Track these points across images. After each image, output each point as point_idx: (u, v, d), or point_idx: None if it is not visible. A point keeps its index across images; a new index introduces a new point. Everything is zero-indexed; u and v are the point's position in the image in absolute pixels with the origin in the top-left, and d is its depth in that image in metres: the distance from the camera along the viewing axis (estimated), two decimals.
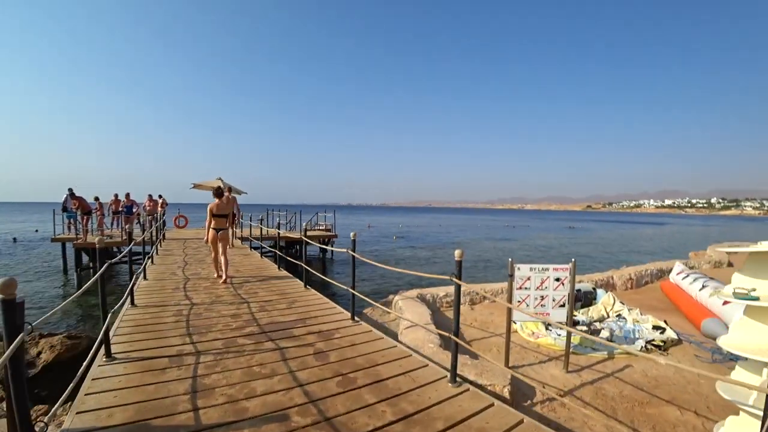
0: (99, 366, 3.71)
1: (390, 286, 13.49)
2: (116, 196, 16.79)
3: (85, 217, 14.51)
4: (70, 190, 14.28)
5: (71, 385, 2.74)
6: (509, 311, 4.60)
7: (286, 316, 5.44)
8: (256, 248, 12.84)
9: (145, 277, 7.71)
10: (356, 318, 5.34)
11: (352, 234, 5.56)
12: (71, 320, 10.64)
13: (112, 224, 17.38)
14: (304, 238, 7.10)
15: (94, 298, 13.15)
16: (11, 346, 1.92)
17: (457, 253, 3.49)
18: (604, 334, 5.88)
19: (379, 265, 5.30)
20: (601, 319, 6.78)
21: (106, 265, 4.09)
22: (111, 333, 4.66)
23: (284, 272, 8.64)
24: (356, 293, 5.29)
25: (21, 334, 1.97)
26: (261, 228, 11.59)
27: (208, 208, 7.53)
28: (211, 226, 7.51)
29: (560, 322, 4.51)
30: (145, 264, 7.93)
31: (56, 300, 12.46)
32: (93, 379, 3.41)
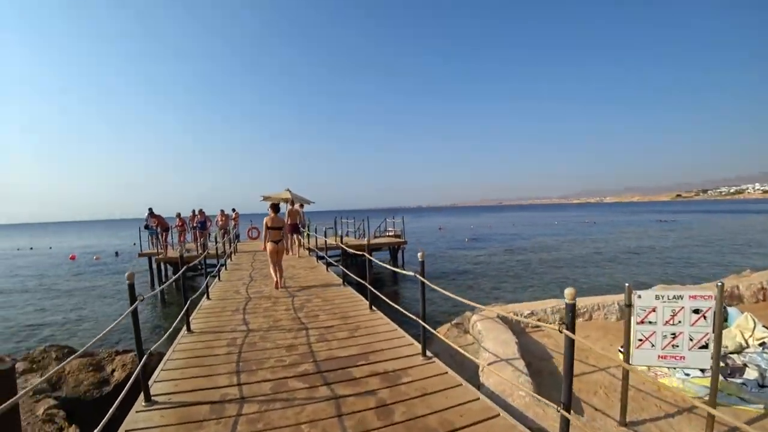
0: (136, 412, 3.32)
1: (464, 297, 12.45)
2: (193, 211, 17.46)
3: (164, 234, 15.17)
4: (150, 209, 15.07)
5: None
6: (626, 352, 3.49)
7: (346, 348, 4.73)
8: (321, 258, 12.41)
9: (208, 297, 7.50)
10: (427, 353, 4.48)
11: (419, 254, 4.63)
12: (152, 331, 10.94)
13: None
14: (367, 255, 6.39)
15: (177, 309, 13.68)
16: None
17: (567, 293, 2.53)
18: (751, 374, 4.42)
19: (453, 296, 4.39)
20: (739, 350, 5.24)
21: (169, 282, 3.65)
22: (160, 366, 4.37)
23: (348, 289, 8.01)
24: (427, 327, 4.44)
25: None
26: (325, 239, 11.11)
27: (264, 222, 8.19)
28: (268, 239, 8.09)
29: (701, 369, 3.30)
30: (207, 284, 7.69)
31: (142, 313, 13.02)
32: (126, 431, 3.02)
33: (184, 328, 5.58)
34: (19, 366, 6.58)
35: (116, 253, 32.57)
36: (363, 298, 7.07)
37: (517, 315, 6.51)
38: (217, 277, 9.61)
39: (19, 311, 14.51)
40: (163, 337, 4.65)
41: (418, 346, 4.61)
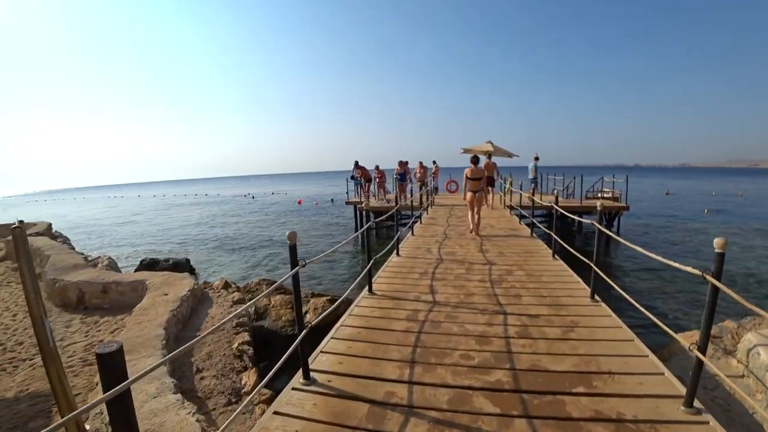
0: (292, 389, 2.85)
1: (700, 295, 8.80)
2: (400, 162, 17.55)
3: (367, 184, 15.68)
4: (356, 162, 15.69)
5: None
6: None
7: (557, 358, 3.17)
8: (523, 218, 10.68)
9: (398, 253, 6.83)
10: (693, 399, 2.47)
11: (718, 242, 2.60)
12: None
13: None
14: (596, 225, 4.51)
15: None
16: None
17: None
18: None
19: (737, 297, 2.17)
20: None
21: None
22: (331, 333, 3.84)
23: (560, 264, 6.19)
24: (705, 359, 2.37)
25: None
26: (532, 197, 9.11)
27: (464, 173, 8.62)
28: (467, 188, 8.55)
29: None
30: (399, 237, 6.99)
31: (345, 253, 13.94)
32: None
33: (366, 288, 4.99)
34: (236, 295, 7.18)
35: (332, 200, 36.83)
36: (581, 282, 5.21)
37: None
38: (411, 231, 8.98)
39: (263, 240, 17.47)
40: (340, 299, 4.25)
41: (673, 382, 2.75)
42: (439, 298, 4.55)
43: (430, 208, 13.79)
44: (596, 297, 4.56)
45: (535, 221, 8.52)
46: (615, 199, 16.27)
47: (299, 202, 35.89)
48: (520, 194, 9.81)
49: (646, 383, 2.77)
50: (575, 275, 5.50)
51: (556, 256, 6.45)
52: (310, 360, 3.13)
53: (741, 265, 11.85)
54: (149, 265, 11.53)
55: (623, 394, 2.64)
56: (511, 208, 12.79)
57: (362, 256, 14.59)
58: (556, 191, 15.35)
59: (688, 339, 4.07)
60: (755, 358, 3.80)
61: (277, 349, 6.64)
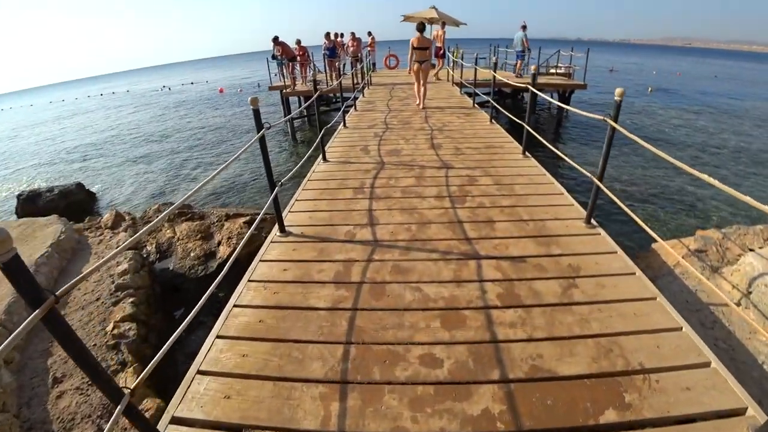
0: (271, 242, 3.15)
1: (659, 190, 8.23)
2: (327, 35, 14.61)
3: (290, 64, 13.07)
4: (275, 37, 12.72)
5: None
6: None
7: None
8: (470, 95, 9.38)
9: (324, 158, 5.24)
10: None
11: (617, 91, 2.73)
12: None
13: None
14: (531, 88, 3.29)
15: (308, 147, 12.44)
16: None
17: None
18: None
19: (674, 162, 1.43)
20: None
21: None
22: (295, 195, 4.10)
23: (497, 126, 6.24)
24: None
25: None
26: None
27: (410, 42, 8.08)
28: (413, 59, 8.13)
29: None
30: (321, 142, 5.26)
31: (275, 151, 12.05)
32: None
33: (320, 156, 5.03)
34: (122, 236, 5.52)
35: (258, 85, 32.70)
36: (514, 141, 5.50)
37: None
38: (342, 122, 7.26)
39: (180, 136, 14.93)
40: (295, 167, 4.16)
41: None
42: (381, 234, 3.22)
43: (366, 89, 11.79)
44: (527, 154, 4.84)
45: (480, 94, 7.17)
46: (567, 75, 14.79)
47: (221, 91, 31.49)
48: (476, 69, 8.13)
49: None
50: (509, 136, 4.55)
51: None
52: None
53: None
54: (29, 199, 9.26)
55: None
56: (460, 85, 11.00)
57: (295, 148, 12.79)
58: (504, 66, 13.39)
59: None
60: (763, 292, 2.89)
61: (188, 297, 5.35)
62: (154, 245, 5.87)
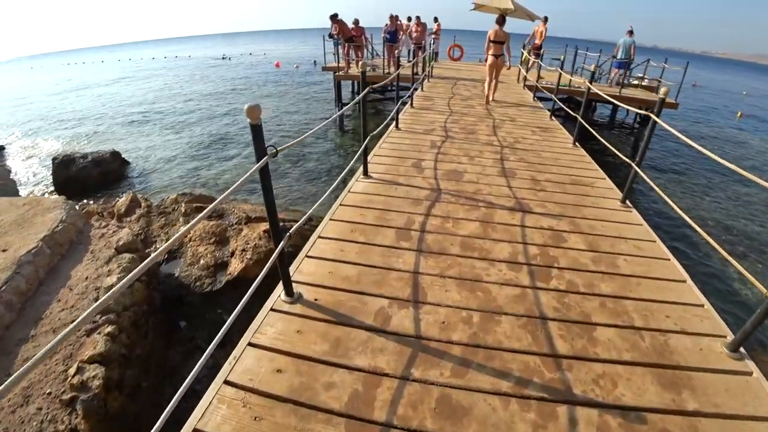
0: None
1: None
2: (391, 17, 13.38)
3: (346, 45, 12.07)
4: (333, 15, 11.72)
5: None
6: None
7: None
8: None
9: (366, 173, 4.21)
10: None
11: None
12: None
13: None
14: (654, 116, 2.38)
15: (350, 142, 11.55)
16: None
17: None
18: None
19: None
20: None
21: None
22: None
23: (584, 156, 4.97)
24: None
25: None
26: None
27: (487, 35, 7.84)
28: (489, 52, 7.87)
29: None
30: (364, 155, 4.21)
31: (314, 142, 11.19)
32: None
33: (360, 169, 4.18)
34: (124, 235, 4.80)
35: (314, 62, 31.36)
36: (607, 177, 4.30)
37: None
38: (395, 122, 6.20)
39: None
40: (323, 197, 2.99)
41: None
42: (426, 326, 2.20)
43: (426, 81, 10.63)
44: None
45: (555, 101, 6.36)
46: (651, 88, 12.78)
47: (277, 65, 30.98)
48: (560, 75, 6.93)
49: None
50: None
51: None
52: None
53: None
54: (63, 164, 8.91)
55: None
56: (534, 90, 9.50)
57: (342, 138, 11.88)
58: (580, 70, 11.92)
59: None
60: None
61: (193, 313, 4.59)
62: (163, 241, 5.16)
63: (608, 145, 4.52)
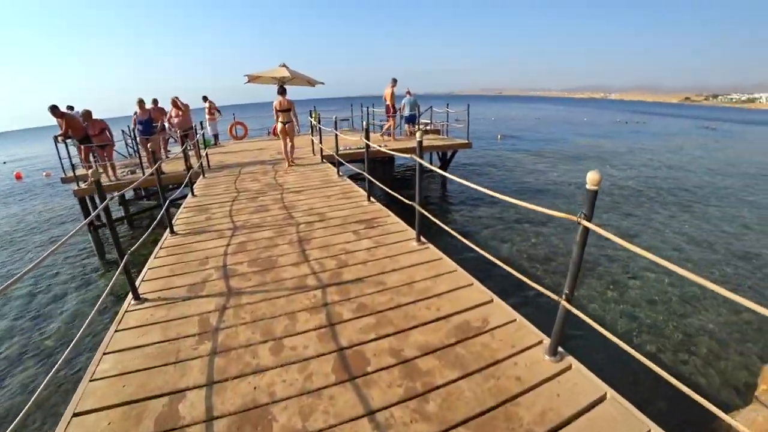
0: None
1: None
2: (140, 102, 10.33)
3: (83, 147, 8.91)
4: (52, 106, 8.40)
5: None
6: None
7: None
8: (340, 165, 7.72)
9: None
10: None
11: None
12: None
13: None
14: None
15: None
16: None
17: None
18: None
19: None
20: None
21: None
22: None
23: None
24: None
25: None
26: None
27: (273, 106, 8.53)
28: (279, 120, 8.55)
29: None
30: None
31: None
32: None
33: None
34: None
35: (72, 165, 25.37)
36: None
37: None
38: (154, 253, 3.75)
39: None
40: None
41: None
42: None
43: (201, 177, 8.30)
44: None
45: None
46: (436, 131, 14.04)
47: (18, 177, 23.85)
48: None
49: None
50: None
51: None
52: None
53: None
54: None
55: None
56: (330, 159, 8.66)
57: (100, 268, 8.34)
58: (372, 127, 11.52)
59: None
60: None
61: None
62: None
63: (390, 191, 4.98)
